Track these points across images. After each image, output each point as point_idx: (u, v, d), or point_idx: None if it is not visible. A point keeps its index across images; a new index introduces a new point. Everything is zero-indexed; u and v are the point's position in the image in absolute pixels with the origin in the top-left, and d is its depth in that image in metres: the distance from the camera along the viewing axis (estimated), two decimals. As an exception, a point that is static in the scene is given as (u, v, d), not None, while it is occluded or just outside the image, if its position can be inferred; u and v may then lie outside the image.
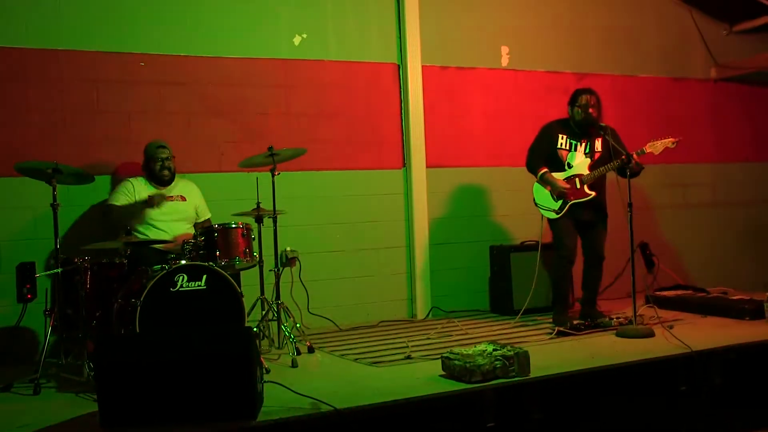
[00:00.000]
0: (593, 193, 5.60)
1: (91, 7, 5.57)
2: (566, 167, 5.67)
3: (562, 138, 5.68)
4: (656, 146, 5.46)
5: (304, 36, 6.31)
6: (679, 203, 7.94)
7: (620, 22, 7.66)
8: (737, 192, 8.22)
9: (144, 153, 5.33)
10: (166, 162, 5.26)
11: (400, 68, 6.64)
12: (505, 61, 7.09)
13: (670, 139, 5.46)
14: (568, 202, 5.61)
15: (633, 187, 5.34)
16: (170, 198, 5.29)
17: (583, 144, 5.69)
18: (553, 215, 5.67)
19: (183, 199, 5.34)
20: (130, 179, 5.30)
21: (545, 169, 5.65)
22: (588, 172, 5.61)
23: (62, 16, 5.48)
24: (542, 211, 5.76)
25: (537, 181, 5.74)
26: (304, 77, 6.29)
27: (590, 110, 5.57)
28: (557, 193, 5.63)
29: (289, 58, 6.24)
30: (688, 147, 7.55)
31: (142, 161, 5.36)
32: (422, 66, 6.63)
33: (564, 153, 5.68)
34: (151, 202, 5.14)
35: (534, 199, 5.81)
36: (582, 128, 5.66)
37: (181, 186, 5.39)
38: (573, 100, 5.67)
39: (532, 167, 5.75)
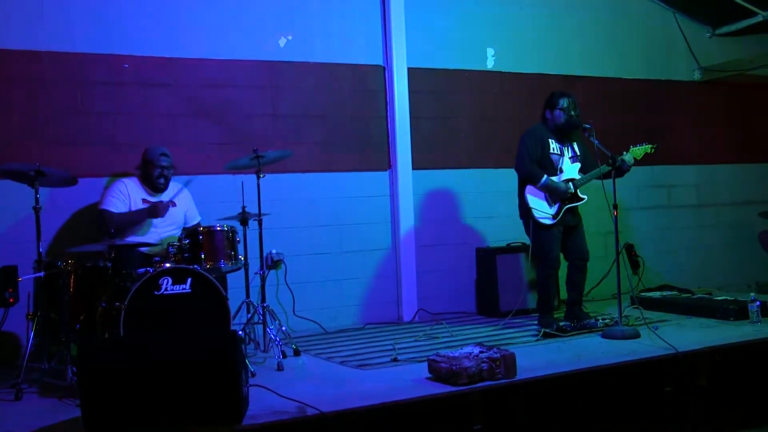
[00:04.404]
0: (585, 197, 5.61)
1: (74, 8, 5.53)
2: (558, 172, 5.66)
3: (553, 143, 5.66)
4: (637, 152, 5.53)
5: (290, 37, 6.29)
6: (664, 204, 7.98)
7: (605, 25, 7.69)
8: (722, 193, 8.28)
9: (144, 155, 5.27)
10: (165, 170, 5.22)
11: (385, 70, 6.63)
12: (490, 63, 7.10)
13: (648, 145, 5.54)
14: (563, 207, 5.59)
15: (618, 189, 5.36)
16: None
17: (568, 148, 5.70)
18: (549, 221, 5.59)
19: (173, 204, 5.31)
20: (123, 180, 5.26)
21: (545, 176, 5.56)
22: (579, 175, 5.61)
23: (45, 17, 5.44)
24: (537, 215, 5.58)
25: (537, 187, 5.59)
26: (289, 79, 6.27)
27: (572, 113, 5.58)
28: (558, 198, 5.59)
29: (275, 59, 6.22)
30: (672, 149, 7.62)
31: (138, 162, 5.30)
32: (408, 68, 6.62)
33: (556, 158, 5.66)
34: (156, 212, 5.08)
35: (528, 204, 5.61)
36: (566, 131, 5.67)
37: (171, 191, 5.35)
38: (553, 104, 5.65)
39: (531, 174, 5.58)
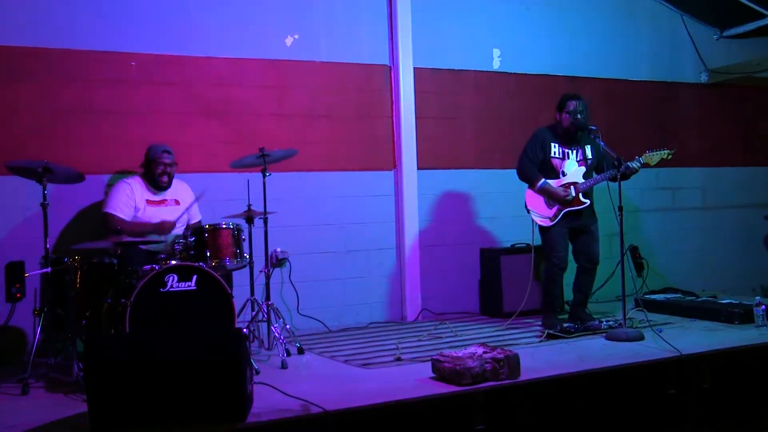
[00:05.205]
0: (588, 201, 5.61)
1: (81, 6, 5.54)
2: (560, 175, 5.67)
3: (555, 146, 5.67)
4: (652, 158, 5.50)
5: (296, 37, 6.30)
6: (669, 207, 7.97)
7: (611, 26, 7.68)
8: (727, 196, 8.25)
9: (146, 154, 5.29)
10: (168, 168, 5.23)
11: (391, 70, 6.64)
12: (496, 64, 7.10)
13: (666, 151, 5.50)
14: (562, 210, 5.60)
15: (623, 191, 5.35)
16: (164, 202, 5.28)
17: (575, 151, 5.70)
18: (548, 222, 5.64)
19: (177, 203, 5.32)
20: (127, 180, 5.26)
21: (543, 179, 5.61)
22: (582, 180, 5.61)
23: (54, 15, 5.45)
24: (535, 217, 5.69)
25: (534, 190, 5.66)
26: (295, 78, 6.28)
27: (578, 116, 5.57)
28: (557, 202, 5.59)
29: (281, 59, 6.23)
30: (678, 151, 7.57)
31: (141, 160, 5.32)
32: (414, 68, 6.63)
33: (557, 161, 5.67)
34: (161, 231, 5.09)
35: (525, 206, 5.75)
36: (571, 134, 5.67)
37: (175, 189, 5.36)
38: (560, 107, 5.66)
39: (528, 176, 5.68)
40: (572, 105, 5.59)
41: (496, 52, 7.10)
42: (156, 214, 5.20)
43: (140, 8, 5.74)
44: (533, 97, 7.10)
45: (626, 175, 5.44)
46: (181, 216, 5.29)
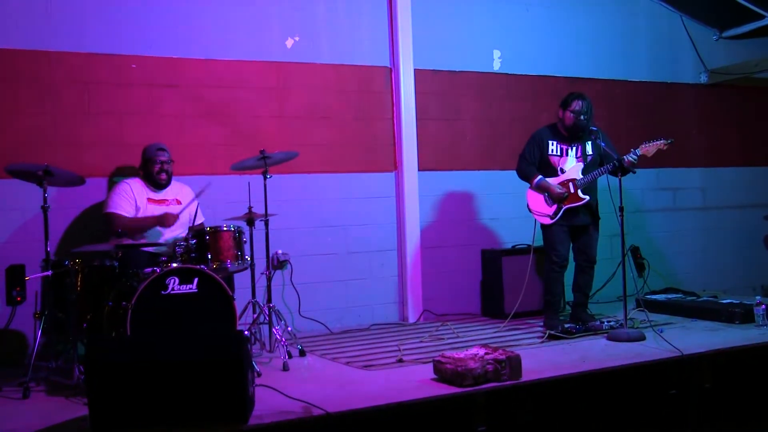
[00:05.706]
0: (587, 197, 5.61)
1: (81, 8, 5.55)
2: (559, 172, 5.68)
3: (553, 144, 5.69)
4: (649, 149, 5.49)
5: (297, 38, 6.30)
6: (670, 207, 7.97)
7: (611, 27, 7.68)
8: (727, 196, 8.26)
9: (142, 154, 5.30)
10: (165, 165, 5.24)
11: (392, 71, 6.64)
12: (497, 65, 7.11)
13: (662, 141, 5.50)
14: (562, 208, 5.61)
15: (624, 191, 5.36)
16: (165, 201, 5.28)
17: (575, 148, 5.71)
18: (548, 221, 5.67)
19: (178, 202, 5.32)
20: (126, 181, 5.27)
21: (539, 176, 5.66)
22: (581, 176, 5.62)
23: (53, 18, 5.46)
24: (536, 216, 5.75)
25: (531, 188, 5.74)
26: (296, 80, 6.28)
27: (581, 117, 5.57)
28: (553, 199, 5.63)
29: (282, 60, 6.24)
30: (678, 151, 7.59)
31: (139, 162, 5.33)
32: (414, 69, 6.63)
33: (555, 159, 5.70)
34: (164, 222, 5.11)
35: (527, 205, 5.80)
36: (572, 133, 5.68)
37: (176, 189, 5.37)
38: (565, 104, 5.67)
39: (526, 174, 5.75)
40: (577, 105, 5.60)
41: (497, 54, 7.10)
42: (158, 212, 5.19)
43: (140, 11, 5.74)
44: (534, 98, 7.11)
45: (626, 170, 5.45)
46: (182, 211, 5.28)
